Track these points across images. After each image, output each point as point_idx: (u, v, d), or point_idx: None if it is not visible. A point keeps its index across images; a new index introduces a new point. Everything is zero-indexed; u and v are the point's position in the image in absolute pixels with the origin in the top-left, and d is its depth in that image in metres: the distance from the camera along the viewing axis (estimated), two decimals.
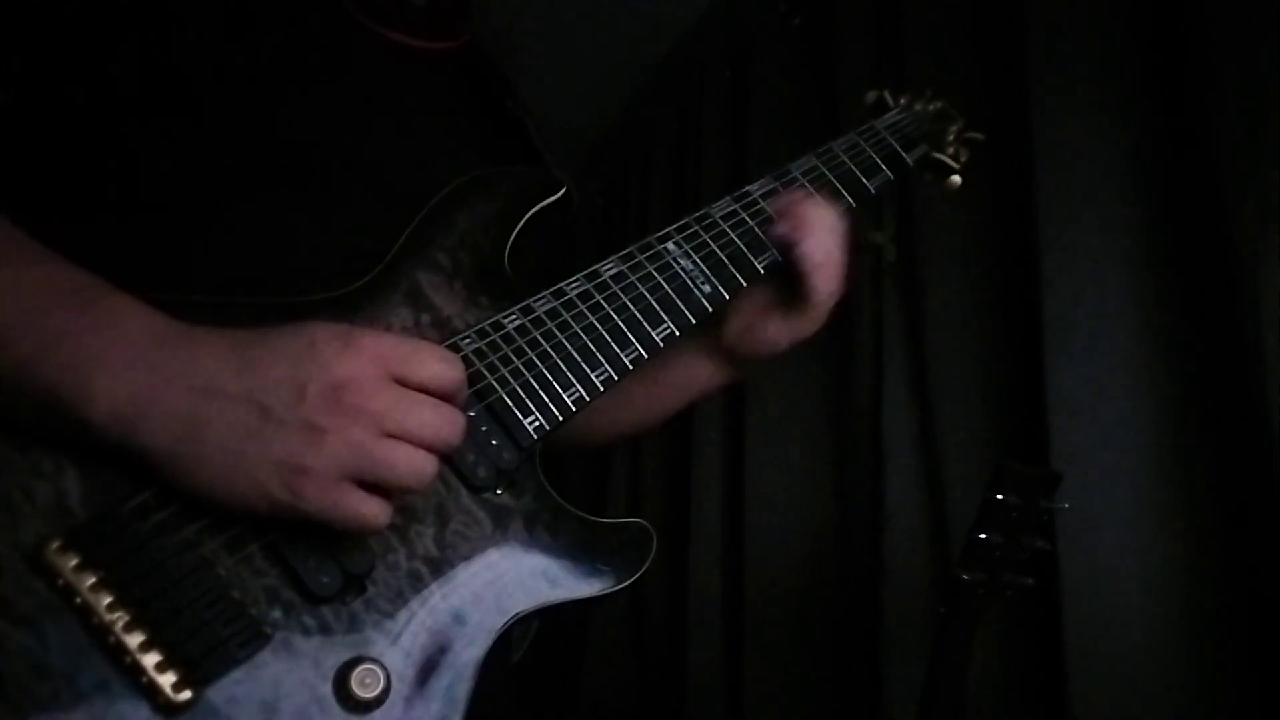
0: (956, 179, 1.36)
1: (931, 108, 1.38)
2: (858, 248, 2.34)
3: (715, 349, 1.19)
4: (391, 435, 0.74)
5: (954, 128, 1.38)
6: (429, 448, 0.76)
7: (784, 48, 2.98)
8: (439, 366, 0.78)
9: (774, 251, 1.11)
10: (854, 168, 1.22)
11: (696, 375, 1.22)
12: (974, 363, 2.16)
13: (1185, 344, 1.75)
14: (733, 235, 1.10)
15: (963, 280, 2.22)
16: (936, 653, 1.43)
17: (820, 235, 1.09)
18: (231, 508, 0.73)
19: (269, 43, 0.98)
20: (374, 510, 0.74)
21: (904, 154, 1.28)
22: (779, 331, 1.14)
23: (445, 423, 0.77)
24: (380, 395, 0.74)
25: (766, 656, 2.60)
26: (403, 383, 0.76)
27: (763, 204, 1.14)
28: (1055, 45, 1.96)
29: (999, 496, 1.40)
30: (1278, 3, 1.62)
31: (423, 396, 0.77)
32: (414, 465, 0.74)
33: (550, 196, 1.07)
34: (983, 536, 1.40)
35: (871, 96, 1.40)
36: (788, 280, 1.11)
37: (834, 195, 1.18)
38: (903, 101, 1.37)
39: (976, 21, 2.26)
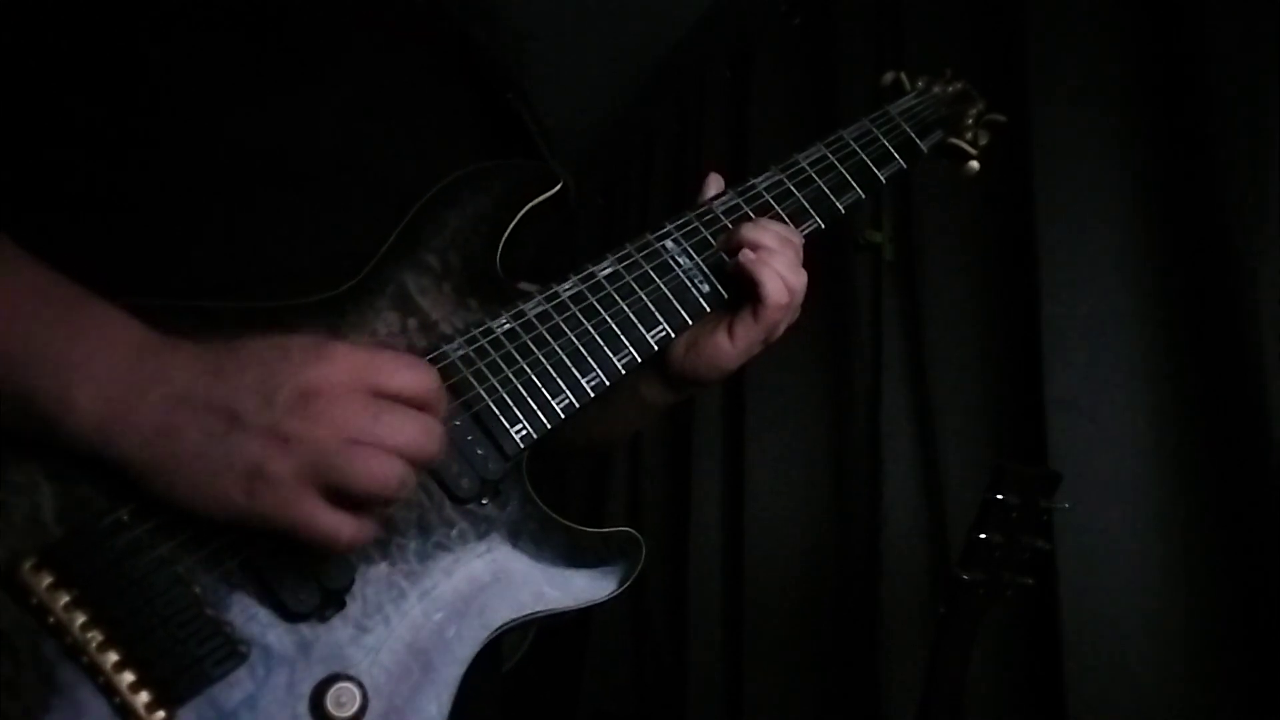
0: (974, 165, 1.31)
1: (951, 89, 1.32)
2: (856, 247, 2.34)
3: (661, 369, 1.14)
4: (359, 442, 0.72)
5: (974, 110, 1.32)
6: (402, 456, 0.74)
7: (784, 48, 2.98)
8: (413, 376, 0.77)
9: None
10: (865, 157, 1.17)
11: (643, 397, 1.18)
12: (973, 362, 2.16)
13: (1184, 343, 1.75)
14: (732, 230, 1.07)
15: (961, 279, 2.22)
16: (936, 653, 1.43)
17: (774, 257, 1.04)
18: (203, 516, 0.72)
19: (254, 32, 0.96)
20: (338, 522, 0.72)
21: (918, 141, 1.22)
22: (726, 350, 1.09)
23: (418, 431, 0.75)
24: (349, 402, 0.73)
25: (766, 657, 2.59)
26: (378, 393, 0.75)
27: (768, 197, 1.10)
28: (1055, 47, 1.96)
29: (999, 496, 1.39)
30: (1278, 3, 1.61)
31: (396, 405, 0.75)
32: (377, 471, 0.72)
33: (546, 191, 1.03)
34: (983, 536, 1.40)
35: (888, 78, 1.33)
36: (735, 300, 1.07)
37: (842, 187, 1.14)
38: (920, 84, 1.31)
39: (977, 22, 2.25)
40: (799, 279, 1.06)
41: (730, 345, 1.08)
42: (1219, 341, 1.66)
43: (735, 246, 1.05)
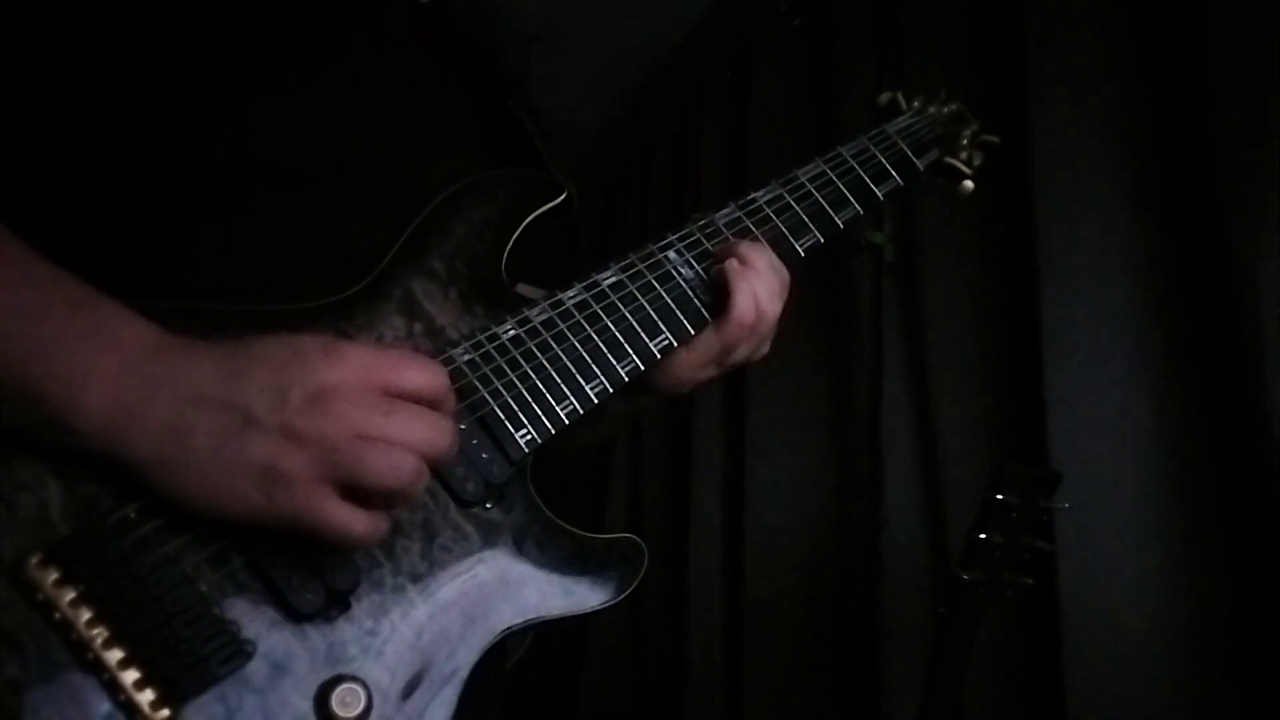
0: (969, 184, 1.34)
1: (946, 110, 1.35)
2: (856, 248, 2.34)
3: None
4: (372, 439, 0.73)
5: (968, 131, 1.35)
6: (415, 452, 0.75)
7: (784, 48, 2.98)
8: (424, 374, 0.78)
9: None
10: (863, 174, 1.19)
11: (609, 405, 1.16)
12: (973, 362, 2.16)
13: (1184, 343, 1.75)
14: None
15: (962, 280, 2.22)
16: (936, 653, 1.44)
17: (757, 277, 1.04)
18: (215, 516, 0.73)
19: (254, 33, 0.96)
20: (355, 519, 0.73)
21: (915, 160, 1.25)
22: (682, 359, 1.07)
23: (430, 428, 0.76)
24: (361, 400, 0.73)
25: (766, 657, 2.59)
26: (389, 392, 0.75)
27: (768, 210, 1.12)
28: (1055, 47, 1.96)
29: (999, 496, 1.40)
30: (1278, 3, 1.61)
31: (407, 404, 0.76)
32: (393, 466, 0.73)
33: (550, 201, 1.05)
34: (983, 536, 1.40)
35: (885, 98, 1.36)
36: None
37: (841, 202, 1.16)
38: (916, 104, 1.34)
39: (977, 22, 2.25)
40: (771, 306, 1.06)
41: (686, 354, 1.06)
42: (1219, 341, 1.66)
43: (724, 255, 1.06)
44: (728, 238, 1.09)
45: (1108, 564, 1.74)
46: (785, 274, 1.09)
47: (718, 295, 1.05)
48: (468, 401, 0.88)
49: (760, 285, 1.04)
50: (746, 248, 1.06)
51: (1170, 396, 1.76)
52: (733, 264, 1.04)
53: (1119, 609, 1.72)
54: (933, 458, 2.20)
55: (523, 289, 1.01)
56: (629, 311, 1.00)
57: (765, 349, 1.10)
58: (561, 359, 0.95)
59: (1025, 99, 1.96)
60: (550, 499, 0.92)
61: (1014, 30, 2.04)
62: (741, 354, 1.08)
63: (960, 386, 2.17)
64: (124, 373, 0.72)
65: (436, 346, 0.91)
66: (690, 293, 1.05)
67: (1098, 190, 1.87)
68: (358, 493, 0.73)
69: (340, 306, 0.89)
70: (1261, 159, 1.61)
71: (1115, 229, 1.85)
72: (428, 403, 0.77)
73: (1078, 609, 1.74)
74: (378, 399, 0.74)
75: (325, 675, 0.76)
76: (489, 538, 0.87)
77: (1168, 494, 1.73)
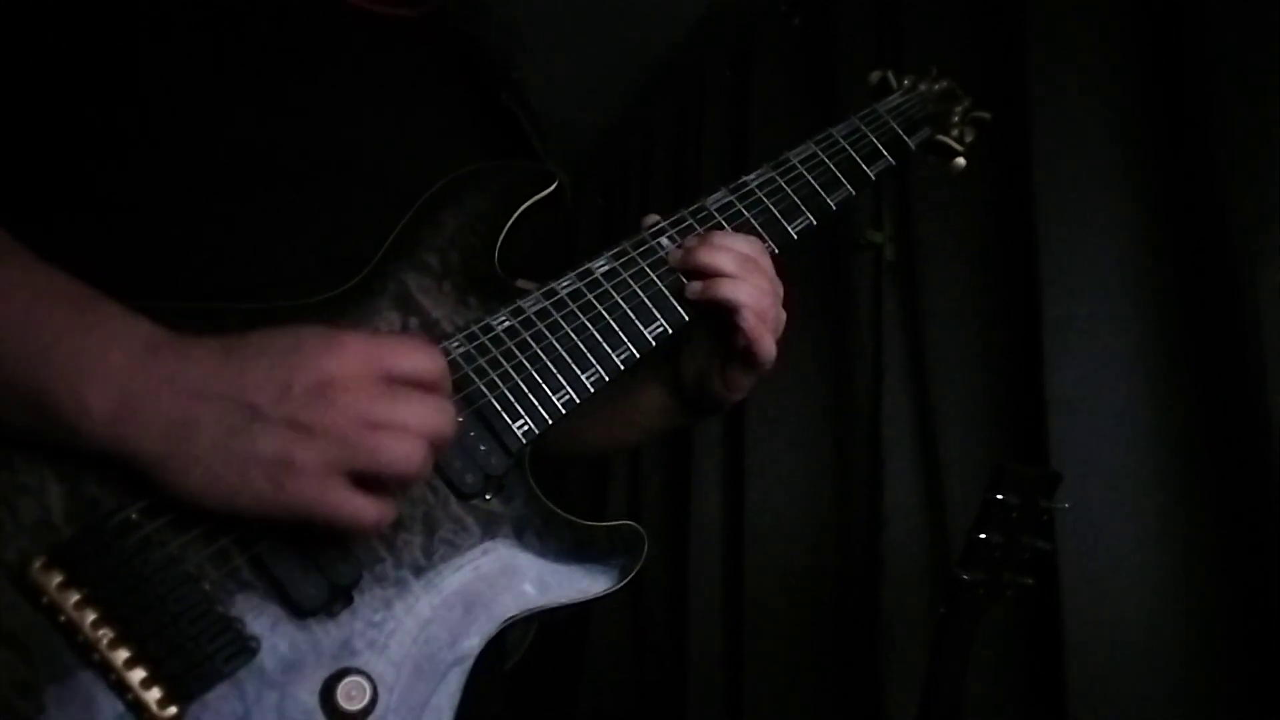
0: (961, 161, 1.32)
1: (937, 87, 1.34)
2: (856, 247, 2.34)
3: (673, 387, 1.14)
4: (381, 427, 0.73)
5: (959, 107, 1.34)
6: (421, 436, 0.75)
7: (784, 48, 2.98)
8: (421, 357, 0.78)
9: (770, 244, 1.09)
10: (854, 154, 1.18)
11: (651, 408, 1.17)
12: (973, 362, 2.16)
13: (1184, 343, 1.75)
14: (728, 228, 1.08)
15: (961, 279, 2.22)
16: (936, 653, 1.44)
17: (739, 282, 1.01)
18: (222, 511, 0.73)
19: (252, 32, 0.97)
20: (365, 506, 0.73)
21: (906, 138, 1.24)
22: (727, 384, 1.08)
23: (433, 411, 0.76)
24: (366, 389, 0.74)
25: (766, 657, 2.59)
26: (389, 378, 0.76)
27: (760, 194, 1.11)
28: (1055, 47, 1.96)
29: (999, 496, 1.40)
30: (1278, 3, 1.61)
31: (409, 389, 0.76)
32: (403, 453, 0.74)
33: (542, 190, 1.05)
34: (983, 536, 1.40)
35: (875, 76, 1.35)
36: (725, 332, 1.04)
37: (833, 184, 1.15)
38: (906, 83, 1.32)
39: (977, 22, 2.25)
40: (756, 299, 1.02)
41: (727, 393, 1.09)
42: (1219, 341, 1.67)
43: (688, 271, 1.03)
44: (721, 222, 1.08)
45: (1108, 564, 1.74)
46: (746, 248, 1.04)
47: (709, 311, 1.03)
48: (464, 394, 0.88)
49: (740, 290, 1.01)
50: (706, 254, 1.02)
51: (1170, 397, 1.76)
52: (715, 282, 1.01)
53: (1119, 609, 1.73)
54: (933, 458, 2.20)
55: (523, 284, 1.01)
56: (622, 299, 1.00)
57: (783, 319, 1.07)
58: (556, 349, 0.95)
59: (1025, 98, 1.96)
60: (547, 493, 0.92)
61: (1014, 30, 2.04)
62: (771, 344, 1.06)
63: (960, 386, 2.17)
64: (126, 371, 0.72)
65: (431, 339, 0.91)
66: (685, 278, 1.04)
67: (1097, 190, 1.87)
68: (367, 480, 0.74)
69: (335, 302, 0.90)
70: (1261, 159, 1.61)
71: (1115, 229, 1.85)
72: (426, 386, 0.78)
73: (1078, 609, 1.74)
74: (380, 386, 0.75)
75: (330, 669, 0.76)
76: (489, 529, 0.87)
77: (1168, 494, 1.73)
